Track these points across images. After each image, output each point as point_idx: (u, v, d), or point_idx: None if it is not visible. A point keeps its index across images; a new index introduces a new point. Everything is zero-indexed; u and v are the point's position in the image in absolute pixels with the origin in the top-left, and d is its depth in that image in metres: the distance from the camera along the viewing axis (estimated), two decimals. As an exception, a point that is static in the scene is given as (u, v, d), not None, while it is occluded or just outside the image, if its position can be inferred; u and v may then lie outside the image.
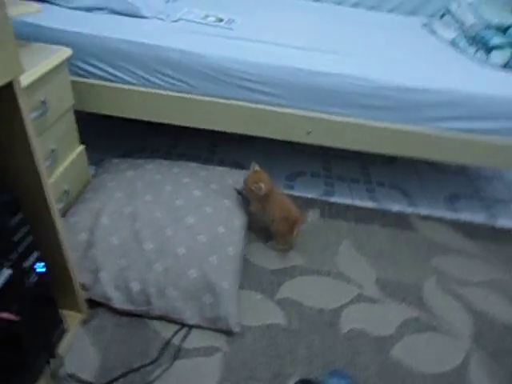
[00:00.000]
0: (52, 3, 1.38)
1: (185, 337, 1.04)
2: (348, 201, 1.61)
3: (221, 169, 1.48)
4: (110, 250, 1.09)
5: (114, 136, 1.78)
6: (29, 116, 0.66)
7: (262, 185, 1.25)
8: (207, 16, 1.53)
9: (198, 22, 1.47)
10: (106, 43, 1.27)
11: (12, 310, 0.74)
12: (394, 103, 1.32)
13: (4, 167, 0.72)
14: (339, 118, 1.36)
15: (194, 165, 1.46)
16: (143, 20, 1.39)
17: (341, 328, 1.12)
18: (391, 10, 2.12)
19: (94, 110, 1.40)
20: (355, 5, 2.12)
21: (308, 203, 1.55)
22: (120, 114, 1.40)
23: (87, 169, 1.38)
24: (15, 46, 0.58)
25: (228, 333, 1.06)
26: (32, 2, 1.30)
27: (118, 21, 1.36)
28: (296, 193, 1.61)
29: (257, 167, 1.32)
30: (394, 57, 1.45)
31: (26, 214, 0.74)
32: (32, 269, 0.78)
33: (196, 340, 1.04)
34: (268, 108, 1.34)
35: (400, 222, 1.52)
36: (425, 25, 1.89)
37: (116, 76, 1.31)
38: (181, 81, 1.31)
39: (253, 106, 1.33)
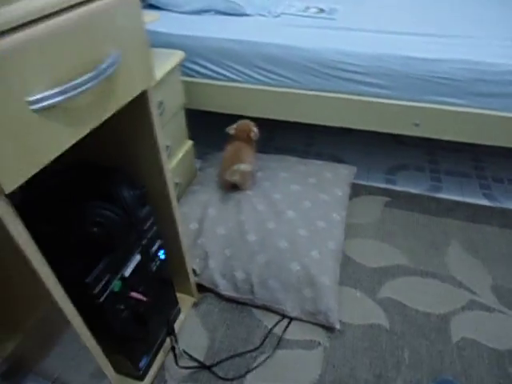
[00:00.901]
0: (164, 9, 1.49)
1: (286, 328, 1.07)
2: (458, 198, 1.48)
3: (318, 162, 1.47)
4: (217, 240, 1.17)
5: (216, 130, 1.87)
6: (158, 120, 0.73)
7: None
8: (308, 8, 1.52)
9: (299, 14, 1.46)
10: (212, 43, 1.34)
11: (140, 290, 0.83)
12: (520, 89, 1.16)
13: (135, 166, 0.81)
14: (451, 108, 1.25)
15: (292, 159, 1.48)
16: (247, 18, 1.43)
17: (451, 335, 1.04)
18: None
19: (201, 108, 1.49)
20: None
21: (412, 199, 1.46)
22: (225, 111, 1.47)
23: (194, 162, 1.49)
24: (151, 57, 0.65)
25: (328, 328, 1.06)
26: (151, 11, 1.42)
27: (223, 21, 1.42)
28: (399, 188, 1.52)
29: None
30: (520, 35, 1.27)
31: (151, 206, 0.82)
32: (156, 255, 0.87)
33: (297, 332, 1.06)
34: (374, 100, 1.29)
35: (522, 223, 1.35)
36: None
37: (221, 74, 1.38)
38: (283, 76, 1.32)
39: (357, 98, 1.29)
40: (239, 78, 1.37)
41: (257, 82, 1.36)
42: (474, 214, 1.39)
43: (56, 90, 0.47)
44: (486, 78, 1.16)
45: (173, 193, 0.86)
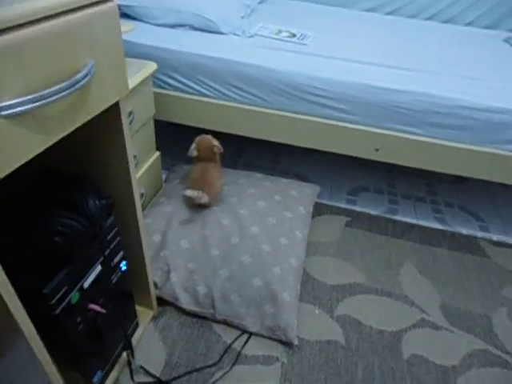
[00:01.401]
0: (139, 20, 1.50)
1: (245, 343, 1.08)
2: (413, 220, 1.57)
3: (285, 180, 1.51)
4: (180, 253, 1.16)
5: (183, 142, 1.88)
6: (128, 130, 0.73)
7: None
8: (280, 31, 1.58)
9: (271, 37, 1.51)
10: (185, 58, 1.35)
11: (99, 302, 0.81)
12: (470, 123, 1.27)
13: (102, 175, 0.80)
14: (409, 136, 1.33)
15: (259, 175, 1.51)
16: (221, 36, 1.47)
17: (402, 352, 1.09)
18: (469, 23, 2.04)
19: (171, 120, 1.49)
20: (430, 18, 2.07)
21: (371, 220, 1.53)
22: (194, 124, 1.48)
23: (161, 173, 1.48)
24: (125, 68, 0.66)
25: (287, 344, 1.08)
26: (127, 21, 1.42)
27: (197, 36, 1.44)
28: (359, 208, 1.59)
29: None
30: (472, 74, 1.39)
31: (115, 216, 0.82)
32: (117, 266, 0.86)
33: (256, 347, 1.07)
34: (338, 123, 1.35)
35: (470, 246, 1.44)
36: (506, 39, 1.79)
37: (193, 88, 1.40)
38: (253, 94, 1.36)
39: (323, 121, 1.35)
40: (210, 94, 1.39)
41: (227, 98, 1.39)
42: (426, 236, 1.48)
43: (28, 97, 0.46)
44: (439, 110, 1.25)
45: (138, 203, 0.86)
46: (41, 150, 0.52)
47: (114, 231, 0.82)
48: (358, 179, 1.77)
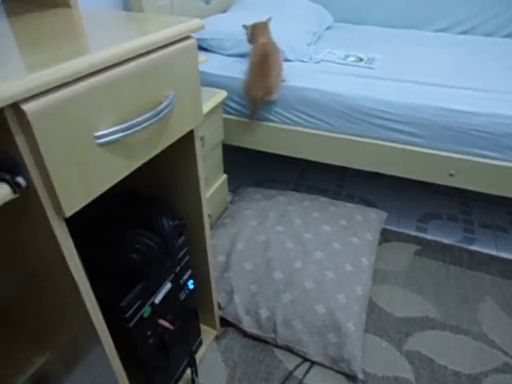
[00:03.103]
0: (212, 51, 1.60)
1: (307, 372, 1.05)
2: (492, 251, 1.43)
3: (350, 205, 1.47)
4: (243, 275, 1.18)
5: (249, 165, 1.93)
6: (200, 154, 0.78)
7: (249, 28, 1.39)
8: (347, 56, 1.58)
9: (338, 62, 1.52)
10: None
11: (167, 318, 0.85)
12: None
13: (174, 197, 0.85)
14: (487, 161, 1.24)
15: (324, 199, 1.49)
16: (288, 63, 1.51)
17: (481, 398, 0.98)
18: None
19: (237, 144, 1.55)
20: (509, 35, 1.94)
21: (444, 249, 1.43)
22: (259, 148, 1.52)
23: (227, 195, 1.53)
24: (200, 97, 0.70)
25: (351, 377, 1.03)
26: (201, 53, 1.53)
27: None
28: (430, 236, 1.50)
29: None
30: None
31: (185, 236, 0.86)
32: (186, 284, 0.90)
33: (318, 377, 1.03)
34: (407, 147, 1.30)
35: (562, 284, 1.29)
36: None
37: (259, 114, 1.44)
38: (319, 119, 1.37)
39: (391, 144, 1.31)
40: (276, 119, 1.43)
41: (292, 123, 1.41)
42: (509, 269, 1.34)
43: (119, 127, 0.52)
44: (524, 134, 1.16)
45: (207, 225, 0.90)
46: (126, 173, 0.57)
47: (184, 250, 0.86)
48: (428, 205, 1.68)
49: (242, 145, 1.56)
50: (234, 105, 1.47)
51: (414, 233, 1.53)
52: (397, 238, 1.49)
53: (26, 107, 0.40)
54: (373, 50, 1.64)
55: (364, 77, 1.39)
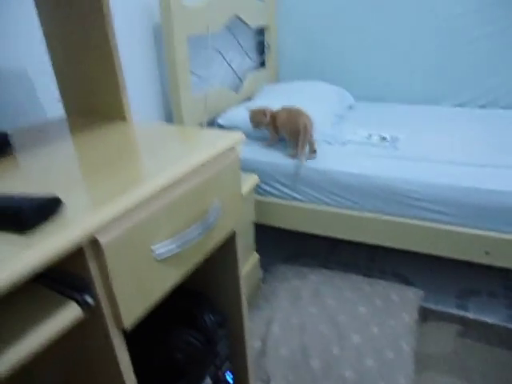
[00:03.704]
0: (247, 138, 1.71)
1: None
2: (542, 332, 1.35)
3: (384, 283, 1.45)
4: (279, 362, 1.15)
5: (277, 240, 1.96)
6: (241, 250, 0.82)
7: (265, 112, 1.45)
8: (371, 135, 1.66)
9: (363, 142, 1.60)
10: (283, 169, 1.48)
11: (206, 416, 0.83)
12: None
13: (216, 291, 0.88)
14: (525, 238, 1.22)
15: (356, 277, 1.48)
16: (314, 145, 1.59)
17: None
18: None
19: (268, 223, 1.59)
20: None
21: (488, 329, 1.36)
22: (289, 227, 1.55)
23: (259, 274, 1.54)
24: (241, 201, 0.76)
25: None
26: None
27: (293, 148, 1.58)
28: (472, 315, 1.44)
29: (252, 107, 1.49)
30: None
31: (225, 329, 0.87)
32: (224, 378, 0.89)
33: None
34: (438, 226, 1.31)
35: None
36: None
37: (289, 195, 1.50)
38: (348, 199, 1.41)
39: (421, 223, 1.32)
40: (305, 199, 1.48)
41: (321, 203, 1.46)
42: None
43: (174, 242, 0.56)
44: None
45: (246, 317, 0.91)
46: (178, 281, 0.61)
47: (224, 342, 0.86)
48: (465, 280, 1.62)
49: (273, 224, 1.60)
50: (266, 187, 1.54)
51: (454, 311, 1.47)
52: (436, 317, 1.44)
53: (100, 238, 0.46)
54: (395, 128, 1.71)
55: (390, 157, 1.45)
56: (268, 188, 1.53)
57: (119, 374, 0.56)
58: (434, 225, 1.31)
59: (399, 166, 1.38)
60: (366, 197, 1.37)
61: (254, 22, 2.04)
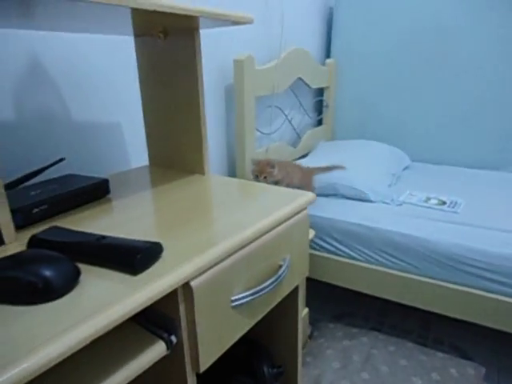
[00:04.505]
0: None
1: None
2: None
3: (441, 355, 1.38)
4: (327, 427, 1.11)
5: (326, 296, 1.93)
6: (302, 305, 0.84)
7: (274, 170, 1.45)
8: (429, 199, 1.65)
9: (420, 205, 1.59)
10: (339, 225, 1.50)
11: None
12: None
13: (273, 342, 0.89)
14: None
15: (410, 345, 1.42)
16: (371, 204, 1.61)
17: None
18: None
19: (319, 278, 1.59)
20: None
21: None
22: (341, 284, 1.54)
23: (307, 330, 1.52)
24: (308, 254, 0.79)
25: None
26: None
27: (349, 205, 1.61)
28: (541, 403, 1.30)
29: (255, 160, 1.48)
30: None
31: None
32: None
33: None
34: (502, 298, 1.24)
35: None
36: None
37: (344, 252, 1.50)
38: (404, 261, 1.39)
39: (483, 293, 1.26)
40: (360, 257, 1.47)
41: (376, 263, 1.45)
42: None
43: (249, 292, 0.61)
44: None
45: (301, 373, 0.90)
46: (248, 328, 0.64)
47: (277, 397, 0.86)
48: (534, 361, 1.49)
49: (325, 280, 1.59)
50: (320, 242, 1.56)
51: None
52: (499, 399, 1.32)
53: (193, 283, 0.51)
54: (454, 193, 1.69)
55: (449, 222, 1.43)
56: (322, 243, 1.55)
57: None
58: (497, 297, 1.25)
59: (460, 232, 1.35)
60: (423, 260, 1.35)
61: (315, 84, 2.17)
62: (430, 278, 1.36)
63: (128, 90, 1.14)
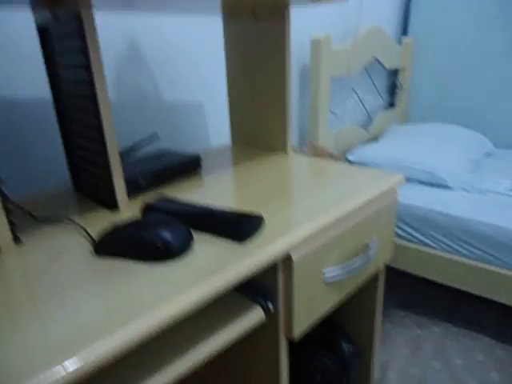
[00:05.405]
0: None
1: None
2: None
3: (522, 353, 1.30)
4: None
5: (395, 284, 1.88)
6: (382, 289, 0.83)
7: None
8: (516, 187, 1.53)
9: (506, 194, 1.48)
10: (416, 211, 1.45)
11: None
12: None
13: (350, 323, 0.90)
14: None
15: (488, 340, 1.35)
16: (449, 191, 1.53)
17: None
18: None
19: (393, 265, 1.55)
20: None
21: None
22: (416, 272, 1.49)
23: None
24: (393, 236, 0.78)
25: None
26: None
27: (426, 191, 1.54)
28: None
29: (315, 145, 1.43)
30: None
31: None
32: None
33: None
34: None
35: None
36: None
37: (419, 239, 1.45)
38: (486, 252, 1.31)
39: None
40: (437, 246, 1.42)
41: (454, 253, 1.38)
42: None
43: (341, 269, 0.62)
44: None
45: (377, 355, 0.91)
46: (335, 305, 0.65)
47: (355, 375, 0.87)
48: None
49: (398, 267, 1.55)
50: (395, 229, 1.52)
51: None
52: None
53: (293, 255, 0.54)
54: (546, 183, 1.55)
55: (540, 213, 1.32)
56: (397, 230, 1.51)
57: (277, 381, 0.62)
58: None
59: (553, 225, 1.24)
60: (506, 251, 1.26)
61: (390, 63, 2.08)
62: (511, 270, 1.28)
63: (212, 72, 1.18)
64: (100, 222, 0.59)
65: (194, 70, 1.14)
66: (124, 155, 0.84)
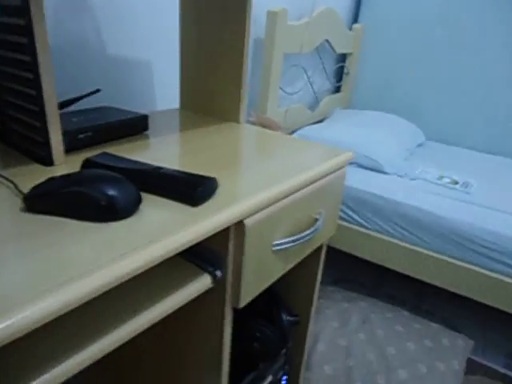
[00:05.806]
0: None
1: None
2: None
3: (435, 326, 1.44)
4: (322, 378, 1.17)
5: (326, 260, 1.98)
6: (323, 263, 0.86)
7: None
8: (442, 177, 1.66)
9: (434, 182, 1.60)
10: (353, 193, 1.52)
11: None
12: None
13: (289, 294, 0.92)
14: None
15: (406, 314, 1.47)
16: (385, 175, 1.61)
17: None
18: None
19: (330, 245, 1.62)
20: None
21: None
22: (347, 250, 1.58)
23: (308, 290, 1.57)
24: (338, 211, 0.80)
25: None
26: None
27: (364, 175, 1.61)
28: (521, 378, 1.39)
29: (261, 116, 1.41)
30: None
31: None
32: (281, 380, 0.92)
33: None
34: (501, 278, 1.29)
35: None
36: None
37: (355, 220, 1.52)
38: (414, 235, 1.42)
39: (487, 273, 1.31)
40: (370, 226, 1.50)
41: (385, 233, 1.47)
42: None
43: (289, 239, 0.62)
44: None
45: (312, 326, 0.94)
46: (282, 274, 0.66)
47: (288, 346, 0.90)
48: (518, 341, 1.57)
49: (333, 245, 1.62)
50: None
51: (501, 370, 1.42)
52: (482, 371, 1.40)
53: (246, 222, 0.52)
54: (466, 174, 1.70)
55: (461, 201, 1.45)
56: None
57: (219, 349, 0.62)
58: (496, 275, 1.30)
59: (473, 212, 1.37)
60: (432, 235, 1.38)
61: (340, 48, 2.11)
62: (437, 253, 1.39)
63: (164, 29, 1.10)
64: (32, 178, 0.53)
65: (143, 27, 1.06)
66: (63, 106, 0.76)
